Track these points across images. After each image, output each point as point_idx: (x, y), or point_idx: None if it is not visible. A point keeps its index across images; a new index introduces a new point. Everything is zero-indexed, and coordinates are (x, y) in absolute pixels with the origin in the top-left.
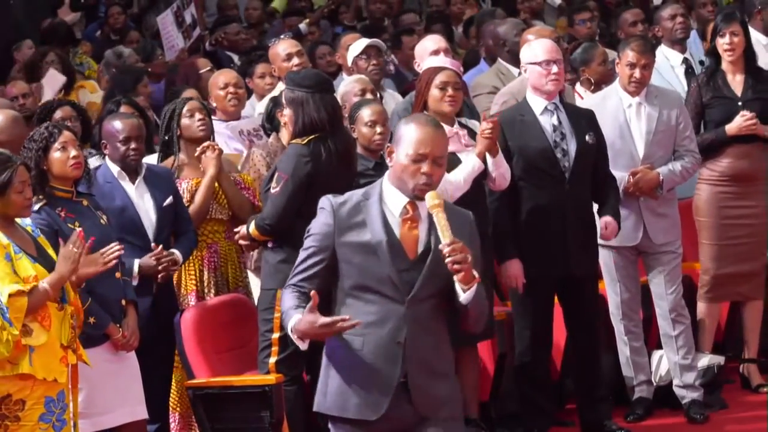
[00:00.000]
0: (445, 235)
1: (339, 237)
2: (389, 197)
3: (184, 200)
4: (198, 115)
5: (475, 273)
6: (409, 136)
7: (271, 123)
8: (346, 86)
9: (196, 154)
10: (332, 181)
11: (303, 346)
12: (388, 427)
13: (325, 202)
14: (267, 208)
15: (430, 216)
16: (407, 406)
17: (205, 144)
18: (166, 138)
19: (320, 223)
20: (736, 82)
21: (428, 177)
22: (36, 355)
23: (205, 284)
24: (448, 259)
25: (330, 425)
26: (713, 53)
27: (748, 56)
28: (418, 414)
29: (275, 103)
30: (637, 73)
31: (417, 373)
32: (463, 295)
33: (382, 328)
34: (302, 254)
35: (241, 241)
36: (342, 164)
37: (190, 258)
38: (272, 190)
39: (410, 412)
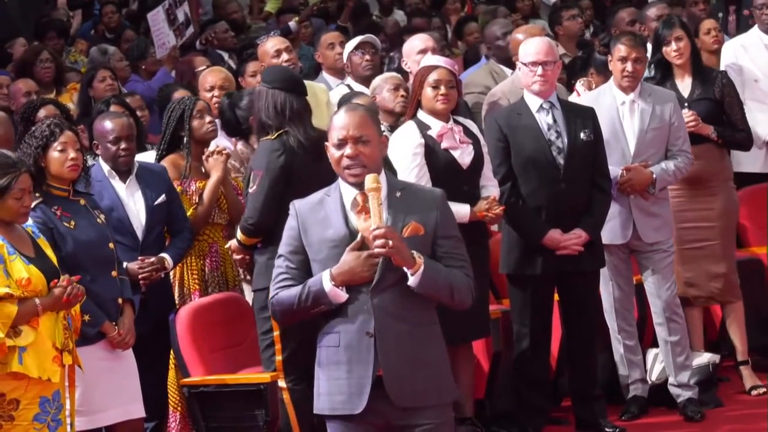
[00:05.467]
0: (375, 220)
1: (305, 236)
2: (345, 192)
3: (193, 200)
4: (207, 117)
5: (416, 255)
6: (331, 127)
7: (227, 124)
8: (379, 81)
9: (203, 157)
10: (308, 173)
11: (343, 296)
12: (377, 421)
13: (291, 206)
14: (247, 208)
15: (386, 200)
16: (386, 396)
17: (216, 147)
18: (171, 137)
19: (287, 227)
20: (685, 84)
21: (351, 158)
22: (27, 354)
23: (208, 283)
24: (375, 244)
25: (327, 425)
26: (661, 62)
27: (695, 58)
28: (399, 405)
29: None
30: (629, 66)
31: (391, 364)
32: (410, 279)
33: (353, 321)
34: (276, 263)
35: (235, 256)
36: (313, 157)
37: (193, 257)
38: (250, 189)
39: (390, 403)
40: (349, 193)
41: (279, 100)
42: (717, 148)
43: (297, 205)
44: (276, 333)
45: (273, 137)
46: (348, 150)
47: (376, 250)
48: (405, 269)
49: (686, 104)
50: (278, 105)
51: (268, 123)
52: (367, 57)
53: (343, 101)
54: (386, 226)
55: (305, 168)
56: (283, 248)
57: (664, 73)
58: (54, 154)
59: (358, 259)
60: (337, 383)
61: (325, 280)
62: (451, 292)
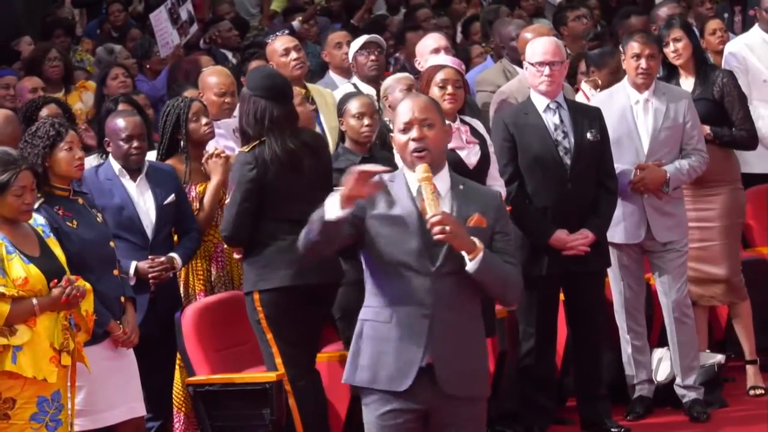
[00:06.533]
0: (431, 207)
1: (370, 209)
2: (410, 178)
3: (193, 206)
4: (203, 119)
5: (476, 241)
6: (396, 114)
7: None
8: (391, 81)
9: (203, 159)
10: (284, 184)
11: (337, 213)
12: (416, 401)
13: None
14: (223, 219)
15: (450, 192)
16: (433, 380)
17: (216, 150)
18: (168, 139)
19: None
20: (687, 84)
21: (418, 141)
22: (22, 353)
23: (213, 283)
24: (433, 231)
25: (361, 396)
26: (666, 62)
27: (697, 57)
28: (442, 390)
29: None
30: (643, 63)
31: (442, 349)
32: (468, 265)
33: (410, 301)
34: None
35: (235, 255)
36: (289, 168)
37: (199, 259)
38: (225, 201)
39: (435, 388)
40: (414, 179)
41: (259, 108)
42: (719, 149)
43: None
44: (269, 336)
45: (247, 149)
46: (414, 133)
47: (435, 237)
48: (464, 255)
49: None
50: (258, 113)
51: (248, 131)
52: (372, 57)
53: (344, 100)
54: (443, 212)
55: (280, 180)
56: None
57: (670, 73)
58: (61, 153)
59: (350, 171)
60: (382, 358)
61: (329, 200)
62: (505, 285)
